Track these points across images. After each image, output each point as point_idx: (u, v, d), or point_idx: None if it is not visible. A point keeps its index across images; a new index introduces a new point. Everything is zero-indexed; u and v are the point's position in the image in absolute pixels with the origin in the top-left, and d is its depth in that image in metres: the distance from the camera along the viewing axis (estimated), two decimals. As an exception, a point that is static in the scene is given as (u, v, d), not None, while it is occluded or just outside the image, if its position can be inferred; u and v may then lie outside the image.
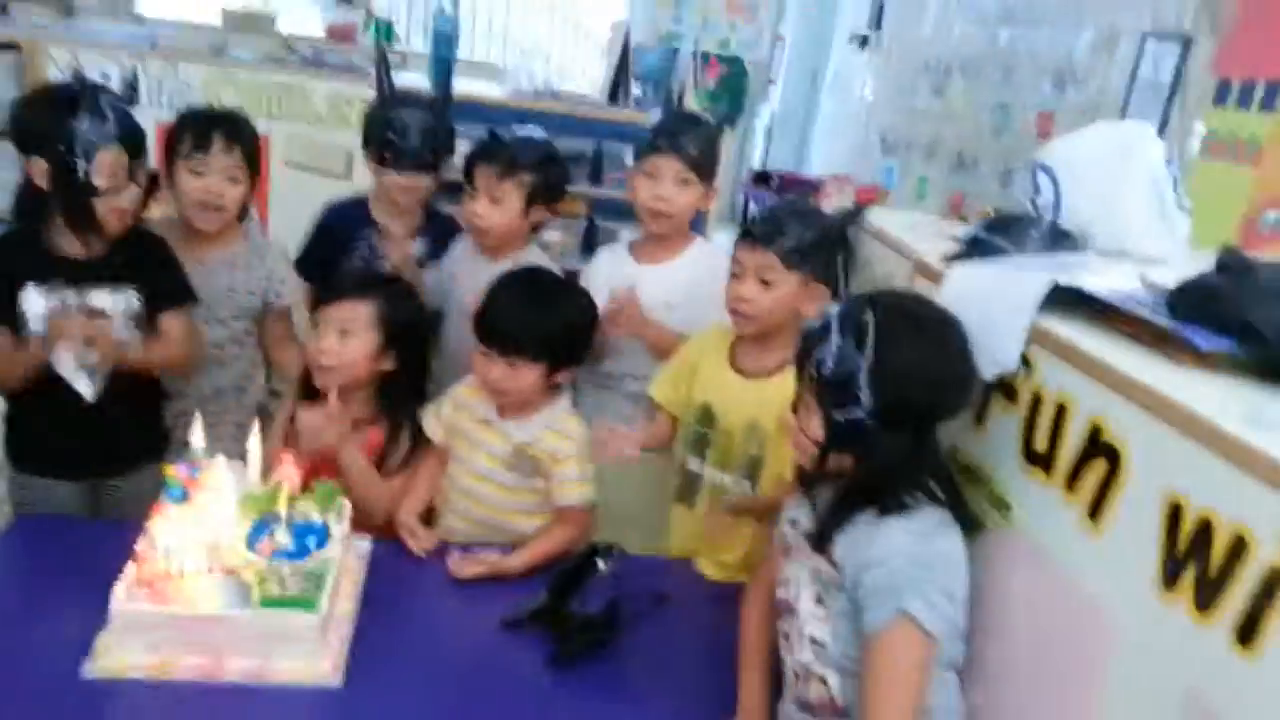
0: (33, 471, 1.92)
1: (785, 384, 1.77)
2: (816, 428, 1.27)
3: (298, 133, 3.47)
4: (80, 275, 1.79)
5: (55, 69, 3.20)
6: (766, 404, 1.77)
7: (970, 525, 1.27)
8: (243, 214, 2.13)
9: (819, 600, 1.30)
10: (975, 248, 1.61)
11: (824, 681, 1.30)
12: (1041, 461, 1.24)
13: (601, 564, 1.57)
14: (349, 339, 1.79)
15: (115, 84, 3.13)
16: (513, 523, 1.82)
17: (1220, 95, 3.11)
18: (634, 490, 1.86)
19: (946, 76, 5.14)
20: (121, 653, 1.38)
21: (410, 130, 2.19)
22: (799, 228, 1.73)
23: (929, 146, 5.25)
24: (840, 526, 1.25)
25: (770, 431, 1.78)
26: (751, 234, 1.76)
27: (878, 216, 2.15)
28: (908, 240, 1.87)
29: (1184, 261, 1.48)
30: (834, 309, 1.28)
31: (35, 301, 1.76)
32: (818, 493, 1.36)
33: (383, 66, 2.26)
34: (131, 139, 1.76)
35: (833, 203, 3.92)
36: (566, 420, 1.82)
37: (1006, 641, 1.28)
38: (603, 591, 1.55)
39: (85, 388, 1.81)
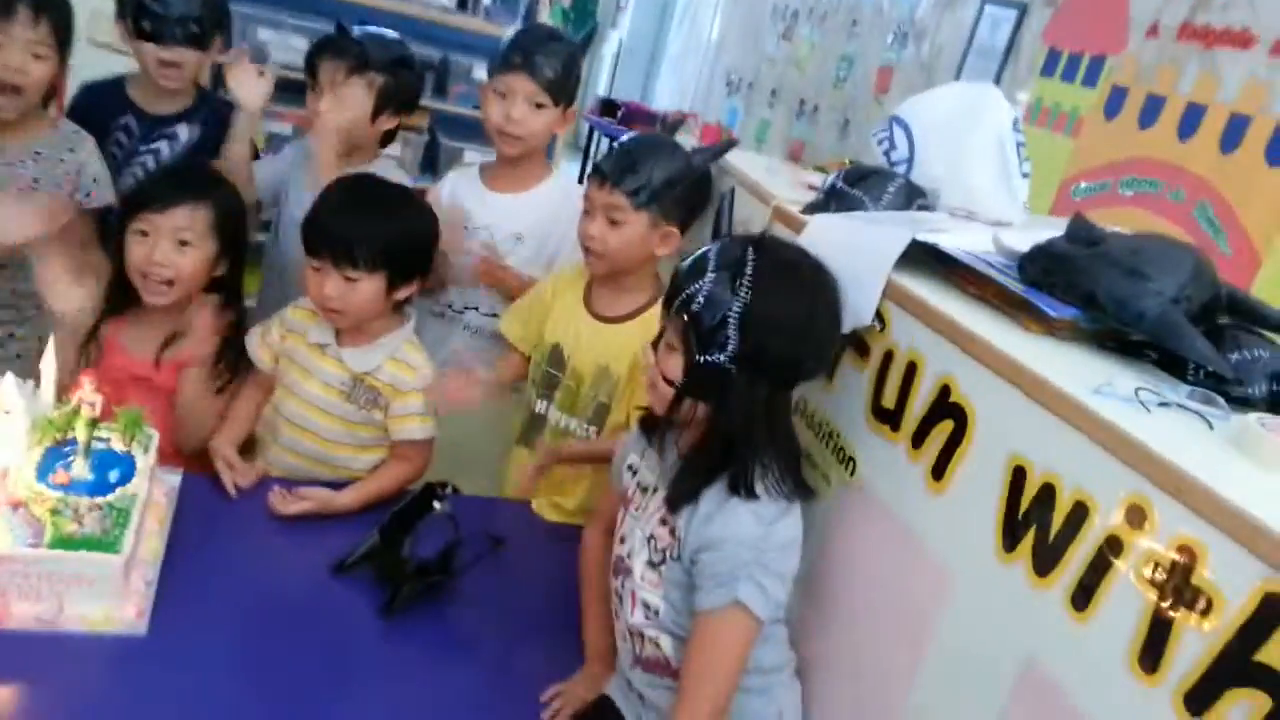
0: None
1: (639, 330, 1.75)
2: (675, 368, 1.23)
3: (104, 9, 3.09)
4: None
5: None
6: (619, 349, 1.74)
7: (806, 493, 1.26)
8: (49, 98, 1.87)
9: (652, 565, 1.28)
10: (834, 198, 1.61)
11: (656, 644, 1.29)
12: (889, 419, 1.25)
13: (437, 504, 1.50)
14: (188, 249, 1.63)
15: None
16: (344, 457, 1.72)
17: (1048, 65, 3.27)
18: (475, 428, 1.79)
19: (794, 22, 5.18)
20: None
21: None
22: (651, 166, 1.68)
23: (773, 91, 5.29)
24: (692, 497, 1.22)
25: (620, 378, 1.74)
26: (601, 171, 1.70)
27: (735, 157, 2.13)
28: (766, 184, 1.86)
29: (1026, 225, 1.54)
30: (712, 246, 1.23)
31: None
32: (658, 439, 1.33)
33: None
34: None
35: (678, 140, 3.89)
36: (410, 350, 1.72)
37: (844, 596, 1.31)
38: (437, 534, 1.48)
39: None
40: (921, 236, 1.30)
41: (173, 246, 1.62)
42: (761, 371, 1.20)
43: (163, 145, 2.08)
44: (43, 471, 1.31)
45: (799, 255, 1.26)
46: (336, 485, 1.66)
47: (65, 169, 1.89)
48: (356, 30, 2.07)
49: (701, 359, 1.19)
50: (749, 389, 1.20)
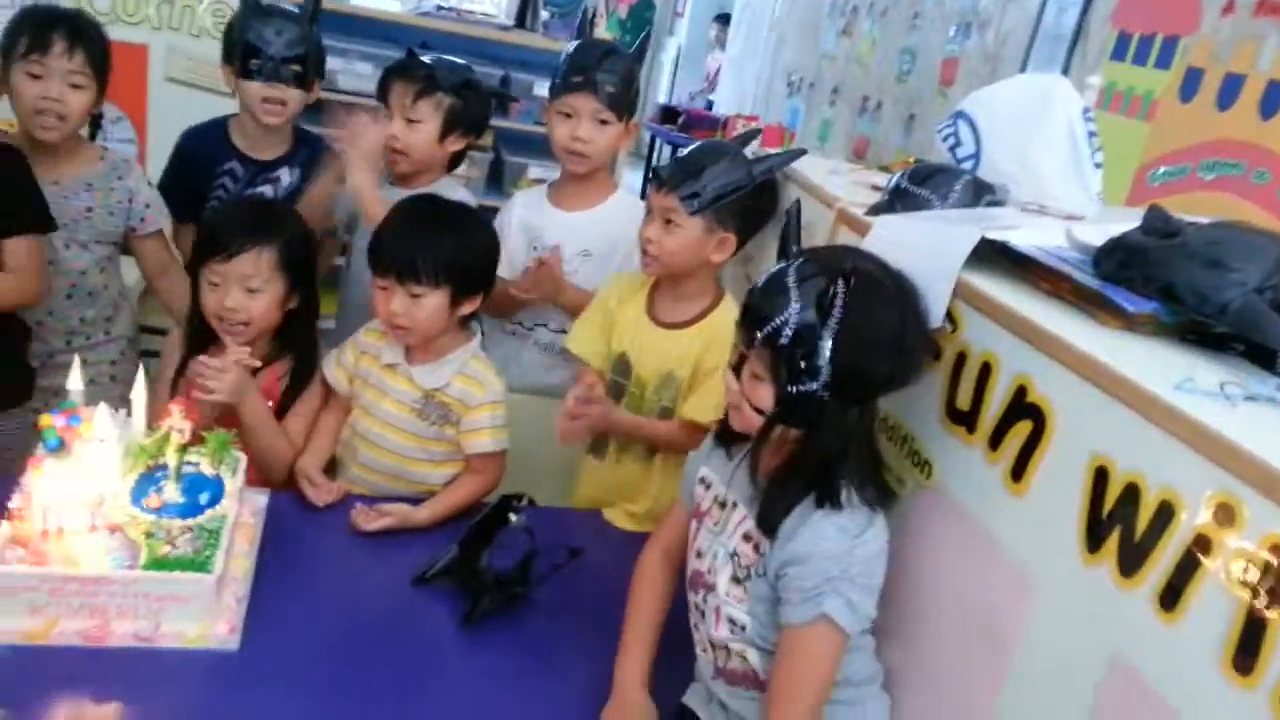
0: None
1: (700, 335, 1.75)
2: (765, 398, 1.20)
3: (180, 45, 3.21)
4: None
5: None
6: (681, 355, 1.75)
7: (890, 501, 1.24)
8: (94, 129, 1.96)
9: (736, 580, 1.27)
10: (899, 198, 1.59)
11: (743, 657, 1.28)
12: (964, 420, 1.23)
13: (513, 516, 1.52)
14: (257, 295, 1.68)
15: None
16: (420, 473, 1.75)
17: (1118, 49, 3.18)
18: (545, 439, 1.81)
19: (854, 18, 5.12)
20: (-1, 617, 1.27)
21: (275, 39, 2.04)
22: (709, 173, 1.69)
23: (834, 89, 5.24)
24: (786, 515, 1.20)
25: (683, 382, 1.75)
26: (660, 176, 1.73)
27: (798, 161, 2.12)
28: (829, 188, 1.85)
29: (1100, 217, 1.50)
30: (788, 269, 1.20)
31: None
32: (740, 455, 1.31)
33: None
34: None
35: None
36: (478, 365, 1.75)
37: (926, 603, 1.28)
38: (514, 545, 1.51)
39: None
40: (991, 234, 1.28)
41: (242, 292, 1.67)
42: (856, 393, 1.18)
43: (267, 189, 2.17)
44: (137, 496, 1.37)
45: (880, 269, 1.21)
46: (415, 500, 1.69)
47: (117, 197, 1.97)
48: (426, 56, 2.12)
49: (794, 390, 1.17)
50: (844, 412, 1.18)
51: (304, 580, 1.50)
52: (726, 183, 1.70)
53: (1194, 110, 2.78)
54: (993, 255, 1.28)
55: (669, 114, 6.58)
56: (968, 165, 1.67)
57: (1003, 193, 1.58)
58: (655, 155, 6.71)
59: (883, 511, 1.22)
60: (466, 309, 1.72)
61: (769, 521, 1.21)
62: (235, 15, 2.12)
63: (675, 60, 7.86)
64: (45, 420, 1.38)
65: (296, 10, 2.14)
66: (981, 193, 1.55)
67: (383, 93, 2.06)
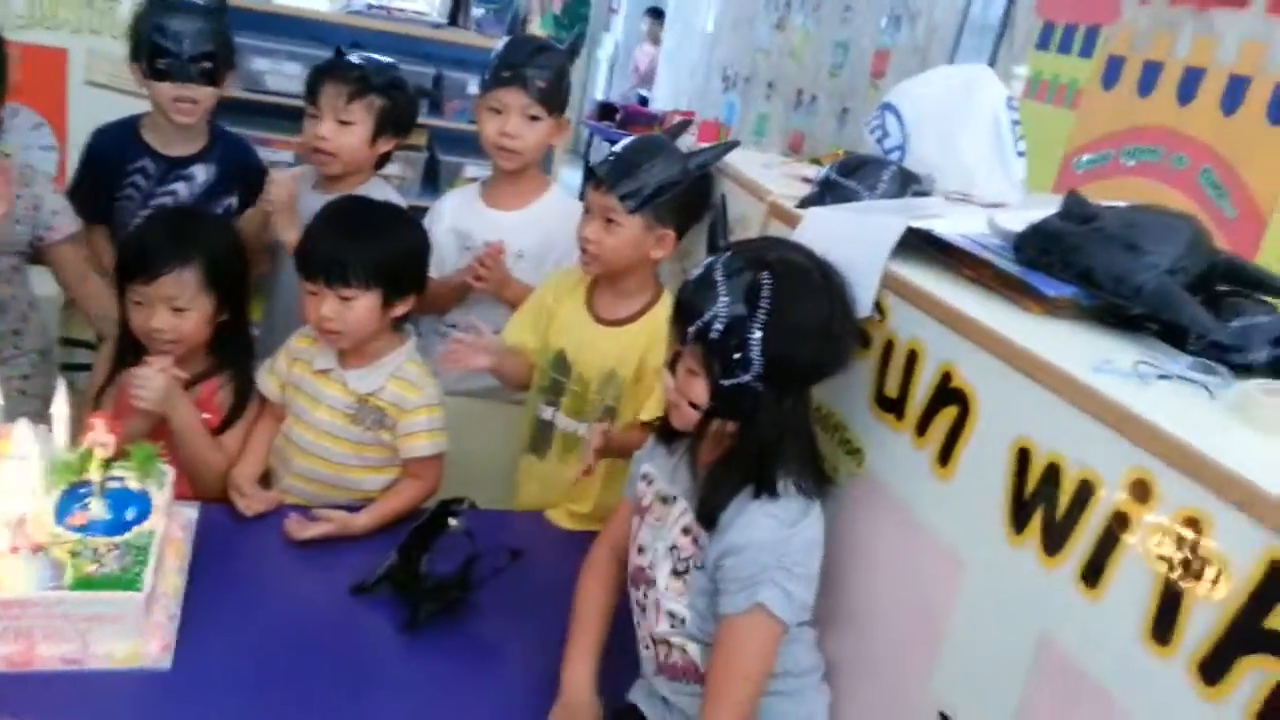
0: None
1: (642, 332, 1.75)
2: (700, 392, 1.21)
3: (101, 48, 3.13)
4: None
5: None
6: (623, 352, 1.74)
7: (825, 489, 1.26)
8: None
9: (676, 573, 1.28)
10: (828, 190, 1.61)
11: (684, 650, 1.28)
12: (893, 408, 1.25)
13: (453, 521, 1.51)
14: (184, 314, 1.64)
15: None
16: (357, 479, 1.73)
17: (1043, 39, 3.25)
18: (483, 440, 1.81)
19: (788, 12, 5.16)
20: (-84, 645, 1.23)
21: (184, 36, 1.99)
22: (647, 170, 1.69)
23: (769, 83, 5.28)
24: (725, 507, 1.21)
25: (627, 380, 1.75)
26: (598, 174, 1.72)
27: (730, 156, 2.13)
28: (761, 181, 1.86)
29: (1023, 205, 1.53)
30: (715, 264, 1.21)
31: None
32: (679, 450, 1.32)
33: None
34: None
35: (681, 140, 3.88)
36: (413, 368, 1.72)
37: (862, 591, 1.30)
38: (455, 549, 1.49)
39: None
40: (916, 223, 1.30)
41: (169, 312, 1.63)
42: (789, 382, 1.19)
43: (180, 186, 2.12)
44: (60, 514, 1.33)
45: (807, 259, 1.23)
46: (352, 508, 1.67)
47: (22, 204, 1.90)
48: (355, 56, 2.09)
49: (727, 383, 1.18)
50: (778, 402, 1.19)
51: (238, 594, 1.46)
52: (664, 179, 1.70)
53: (1116, 98, 2.85)
54: (919, 244, 1.30)
55: (606, 110, 6.57)
56: (895, 156, 1.69)
57: (928, 182, 1.60)
58: (592, 152, 6.70)
59: (819, 501, 1.23)
60: (399, 311, 1.70)
61: (707, 513, 1.22)
62: (140, 10, 2.05)
63: (612, 57, 7.86)
64: (-39, 439, 1.33)
65: (203, 3, 2.08)
66: (908, 183, 1.57)
67: (312, 93, 2.02)
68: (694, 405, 1.22)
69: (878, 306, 1.29)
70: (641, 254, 1.73)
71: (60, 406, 1.41)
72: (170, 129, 2.08)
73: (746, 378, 1.16)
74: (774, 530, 1.17)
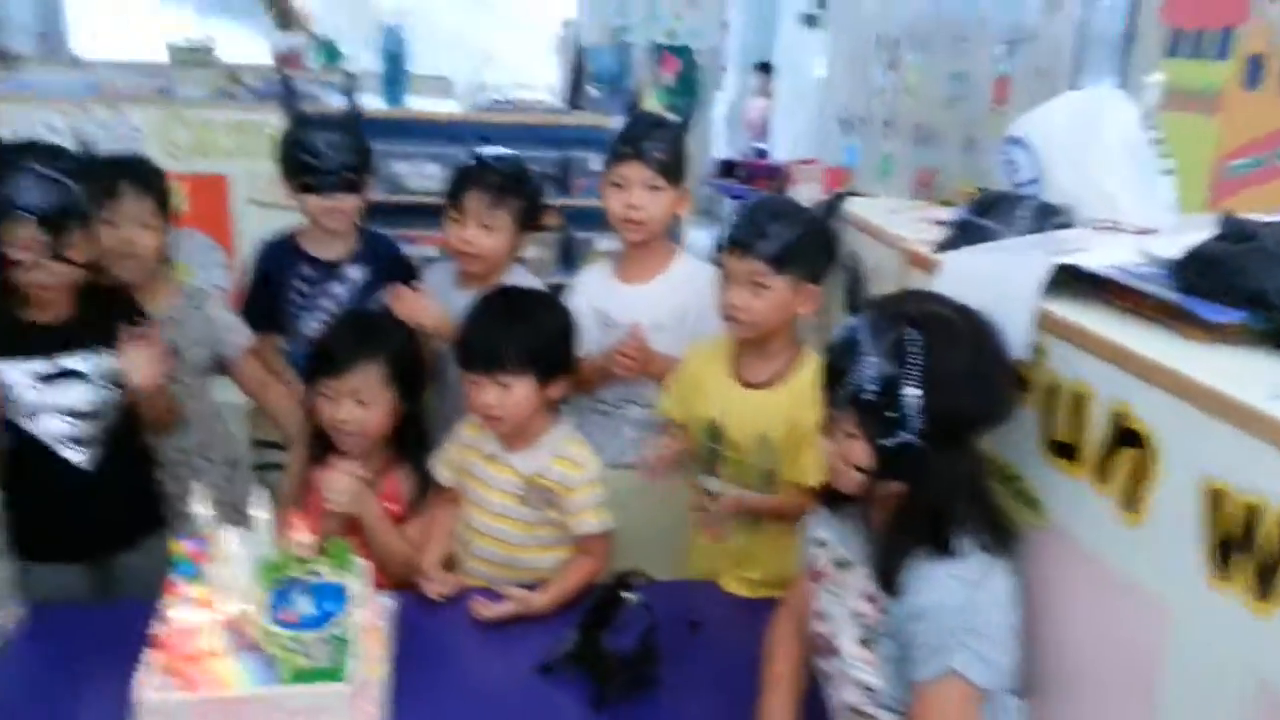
0: (36, 557, 1.86)
1: (789, 392, 1.76)
2: (860, 455, 1.21)
3: (258, 169, 3.40)
4: (52, 341, 1.76)
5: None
6: (772, 415, 1.75)
7: (1011, 544, 1.22)
8: (166, 263, 2.09)
9: (864, 643, 1.26)
10: (965, 232, 1.59)
11: None
12: (1066, 453, 1.21)
13: (628, 595, 1.55)
14: (369, 407, 1.76)
15: (65, 137, 3.06)
16: (532, 559, 1.80)
17: (1174, 46, 3.13)
18: (650, 512, 1.84)
19: (898, 50, 5.14)
20: (153, 743, 1.34)
21: (325, 151, 2.14)
22: (781, 228, 1.70)
23: (888, 122, 5.24)
24: (902, 569, 1.19)
25: (779, 443, 1.75)
26: (736, 240, 1.73)
27: (856, 204, 2.13)
28: (892, 228, 1.86)
29: (1177, 228, 1.48)
30: (857, 324, 1.22)
31: (8, 374, 1.74)
32: (849, 514, 1.32)
33: (288, 90, 2.21)
34: (57, 211, 1.67)
35: (802, 189, 3.91)
36: (573, 446, 1.80)
37: (1058, 647, 1.25)
38: (634, 623, 1.53)
39: (76, 455, 1.80)
40: (1062, 258, 1.28)
41: (354, 405, 1.75)
42: (952, 436, 1.18)
43: (337, 288, 2.27)
44: (273, 612, 1.44)
45: (951, 308, 1.22)
46: (530, 588, 1.72)
47: (198, 326, 2.08)
48: (485, 152, 2.19)
49: (887, 443, 1.17)
50: (943, 458, 1.17)
51: (438, 676, 1.54)
52: (801, 233, 1.71)
53: (1261, 99, 2.71)
54: (1068, 279, 1.28)
55: (728, 168, 6.64)
56: (1030, 190, 1.66)
57: (1070, 214, 1.57)
58: (718, 210, 6.78)
59: (1003, 557, 1.20)
60: (554, 392, 1.78)
61: (887, 578, 1.20)
62: (286, 131, 2.23)
63: (727, 115, 7.96)
64: (176, 547, 1.46)
65: (339, 119, 2.23)
66: (1048, 216, 1.54)
67: (454, 197, 2.11)
68: (858, 469, 1.22)
69: (1034, 349, 1.27)
70: (790, 314, 1.75)
71: (260, 509, 1.53)
72: (323, 236, 2.24)
73: (906, 436, 1.16)
74: (958, 592, 1.15)
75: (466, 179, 2.11)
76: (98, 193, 1.91)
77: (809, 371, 1.70)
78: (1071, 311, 1.24)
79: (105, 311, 1.83)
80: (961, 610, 1.15)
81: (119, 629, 1.48)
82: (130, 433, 1.90)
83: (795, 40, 7.01)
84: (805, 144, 6.50)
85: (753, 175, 6.08)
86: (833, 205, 1.89)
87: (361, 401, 1.75)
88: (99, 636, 1.57)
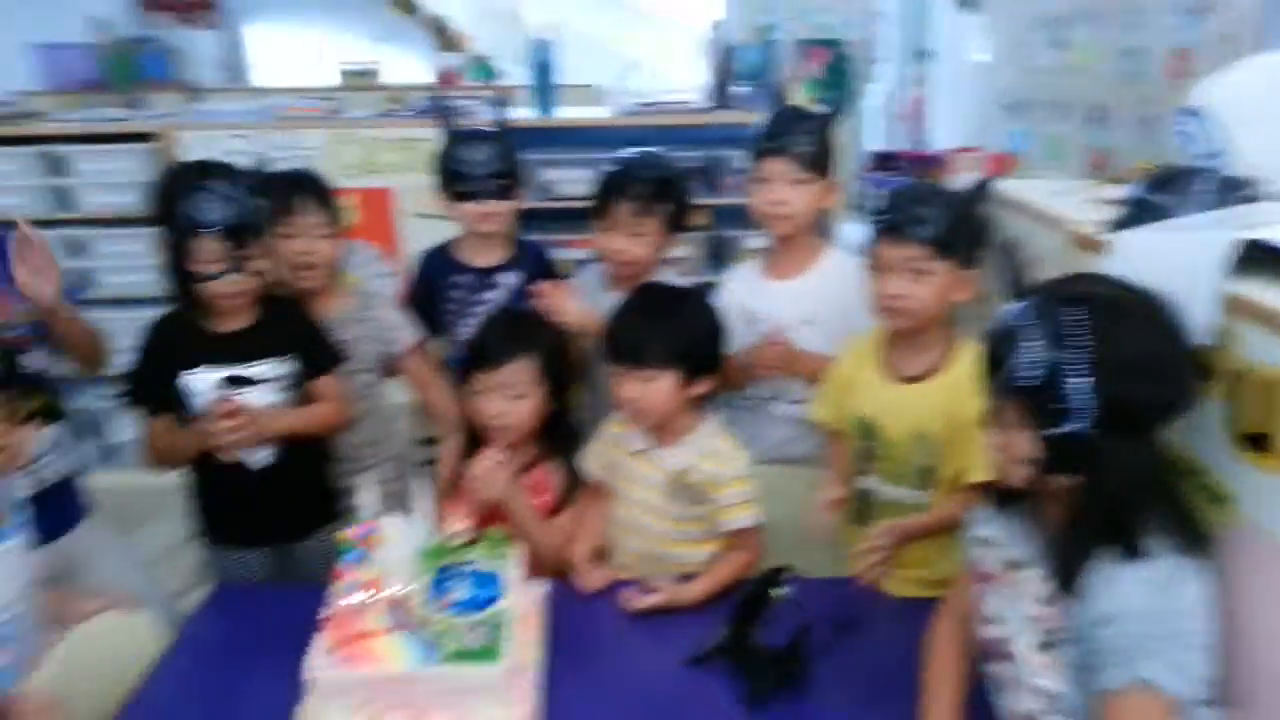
0: (222, 542, 2.02)
1: (946, 384, 1.69)
2: (1026, 447, 1.14)
3: (419, 184, 3.56)
4: (235, 349, 1.89)
5: (187, 154, 3.39)
6: (929, 409, 1.69)
7: (1205, 544, 1.13)
8: (339, 271, 2.21)
9: (1043, 648, 1.18)
10: (1139, 210, 1.50)
11: None
12: (1259, 444, 1.11)
13: (778, 590, 1.53)
14: (519, 401, 1.81)
15: (248, 159, 3.28)
16: (681, 554, 1.80)
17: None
18: (798, 510, 1.81)
19: (1066, 27, 4.88)
20: (326, 716, 1.42)
21: (477, 161, 2.22)
22: (937, 212, 1.63)
23: (1057, 104, 4.98)
24: (1082, 570, 1.12)
25: (939, 437, 1.69)
26: (890, 226, 1.67)
27: (1016, 187, 2.04)
28: (1057, 209, 1.77)
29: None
30: (1020, 308, 1.15)
31: (196, 382, 1.88)
32: (1018, 511, 1.25)
33: (443, 106, 2.31)
34: (238, 226, 1.80)
35: (962, 180, 3.75)
36: (720, 442, 1.79)
37: (1255, 653, 1.15)
38: (786, 619, 1.50)
39: (253, 458, 1.92)
40: (1248, 234, 1.18)
41: (505, 399, 1.80)
42: (1128, 426, 1.09)
43: (492, 294, 2.36)
44: (433, 596, 1.50)
45: (1123, 290, 1.14)
46: (678, 581, 1.72)
47: (371, 326, 2.21)
48: (631, 154, 2.21)
49: (1057, 434, 1.11)
50: (1122, 449, 1.10)
51: (589, 664, 1.57)
52: (956, 216, 1.65)
53: None
54: (1256, 257, 1.18)
55: (883, 159, 6.48)
56: (1211, 163, 1.54)
57: (1257, 187, 1.45)
58: (871, 204, 6.62)
59: (1196, 557, 1.11)
60: (698, 390, 1.77)
61: (1066, 580, 1.14)
62: (441, 146, 2.33)
63: (882, 106, 7.77)
64: (343, 535, 1.54)
65: (493, 130, 2.32)
66: (1232, 190, 1.42)
67: (602, 205, 2.13)
68: (1024, 461, 1.15)
69: (1218, 332, 1.17)
70: (947, 301, 1.68)
71: (424, 500, 1.60)
72: (478, 243, 2.33)
73: (1078, 426, 1.08)
74: (1148, 596, 1.07)
75: (612, 187, 2.12)
76: (277, 209, 2.05)
77: (967, 361, 1.62)
78: (1261, 292, 1.14)
79: (282, 320, 1.96)
80: (1151, 616, 1.07)
81: (295, 610, 1.57)
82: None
83: (953, 26, 6.76)
84: (967, 132, 6.26)
85: (910, 165, 5.89)
86: (982, 187, 1.81)
87: (512, 396, 1.80)
88: (276, 617, 1.68)
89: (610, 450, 1.87)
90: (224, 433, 1.80)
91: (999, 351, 1.16)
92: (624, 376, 1.74)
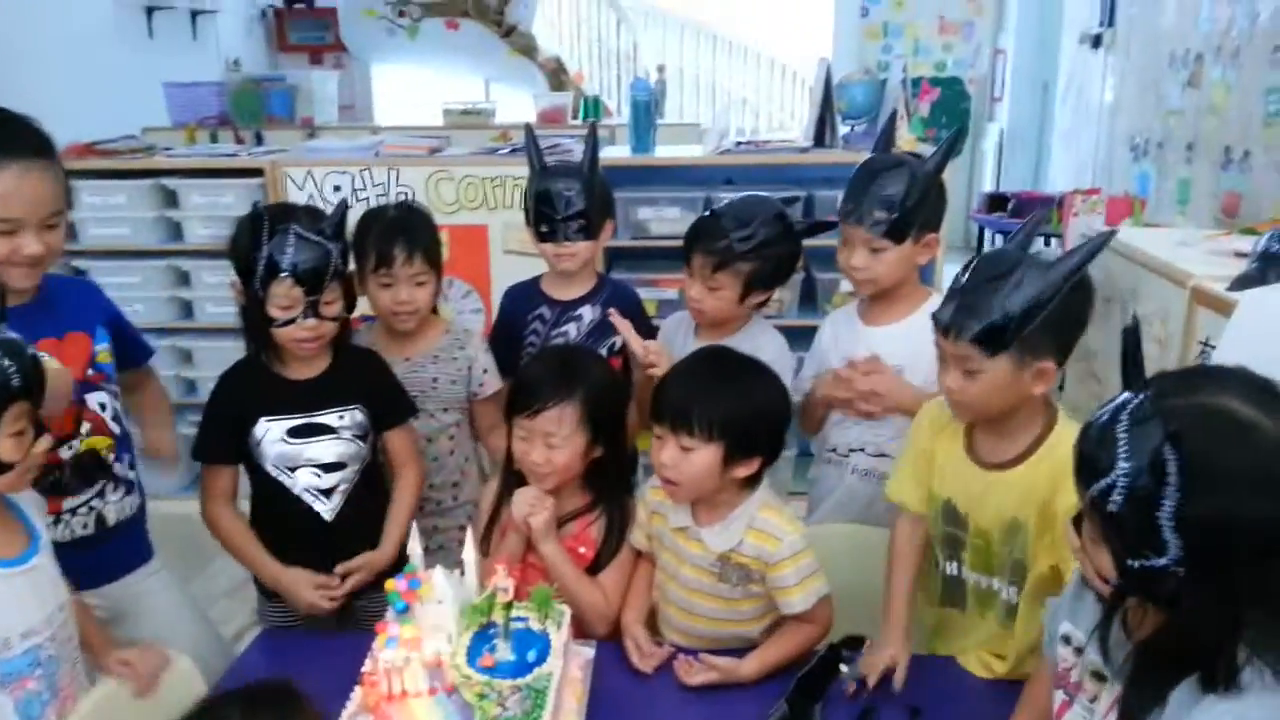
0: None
1: (1037, 472, 1.49)
2: (1106, 566, 1.00)
3: (512, 221, 3.57)
4: (306, 397, 1.87)
5: (293, 189, 3.47)
6: (1020, 498, 1.51)
7: None
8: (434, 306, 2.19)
9: None
10: (1269, 264, 1.33)
11: None
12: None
13: (844, 667, 1.40)
14: (557, 450, 1.71)
15: (345, 195, 3.32)
16: (735, 631, 1.67)
17: None
18: (874, 573, 1.66)
19: (1199, 65, 4.59)
20: (355, 777, 1.36)
21: (560, 200, 2.17)
22: (998, 302, 1.40)
23: (1188, 145, 4.69)
24: (1157, 703, 0.97)
25: (1032, 529, 1.51)
26: (938, 319, 1.50)
27: (1135, 236, 1.87)
28: (1179, 263, 1.60)
29: None
30: (1121, 409, 0.98)
31: (264, 431, 1.87)
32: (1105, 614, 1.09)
33: (532, 143, 2.27)
34: (311, 273, 1.77)
35: (1079, 222, 3.53)
36: (768, 516, 1.62)
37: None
38: (849, 699, 1.37)
39: (323, 508, 1.91)
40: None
41: (545, 446, 1.70)
42: (1221, 570, 0.93)
43: (570, 327, 2.30)
44: (471, 656, 1.42)
45: (1241, 398, 0.94)
46: (738, 652, 1.60)
47: (458, 365, 2.17)
48: (733, 199, 2.11)
49: (1136, 565, 0.96)
50: (1207, 594, 0.93)
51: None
52: (1026, 305, 1.40)
53: None
54: None
55: (996, 201, 6.23)
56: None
57: None
58: (988, 246, 6.36)
59: None
60: (741, 472, 1.60)
61: (1133, 708, 0.99)
62: (528, 182, 2.29)
63: (999, 145, 7.50)
64: (390, 585, 1.48)
65: (577, 167, 2.25)
66: (1381, 244, 1.25)
67: (686, 251, 2.07)
68: (1105, 579, 1.01)
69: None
70: (1018, 395, 1.48)
71: (470, 552, 1.53)
72: (561, 278, 2.28)
73: (1160, 562, 0.93)
74: None
75: (696, 235, 2.04)
76: (377, 257, 2.05)
77: (1064, 442, 1.34)
78: None
79: (356, 368, 1.94)
80: None
81: (341, 661, 1.51)
82: (375, 478, 2.00)
83: (1078, 63, 6.48)
84: (1089, 172, 5.97)
85: (1023, 207, 5.63)
86: (1090, 253, 1.43)
87: (552, 444, 1.70)
88: (321, 666, 1.61)
89: (651, 519, 1.74)
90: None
91: (1089, 455, 1.01)
92: (664, 438, 1.61)
